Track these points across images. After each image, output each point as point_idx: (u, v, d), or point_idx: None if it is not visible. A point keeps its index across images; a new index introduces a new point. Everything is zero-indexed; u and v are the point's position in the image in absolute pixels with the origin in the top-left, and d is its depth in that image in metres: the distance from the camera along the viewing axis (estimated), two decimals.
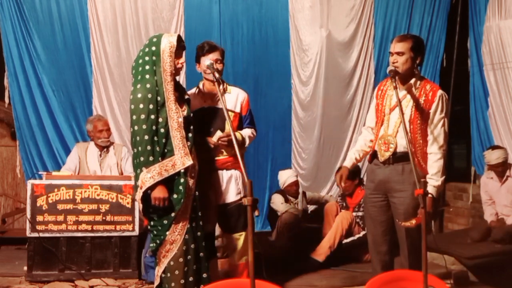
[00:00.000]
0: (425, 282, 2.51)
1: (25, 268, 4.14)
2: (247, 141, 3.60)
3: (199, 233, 3.18)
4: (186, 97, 3.27)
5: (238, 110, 3.57)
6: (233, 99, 3.57)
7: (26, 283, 4.11)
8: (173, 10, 5.35)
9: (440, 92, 3.27)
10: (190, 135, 3.15)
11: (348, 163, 3.54)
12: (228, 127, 3.42)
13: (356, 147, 3.59)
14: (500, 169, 4.83)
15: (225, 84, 3.56)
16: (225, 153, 3.53)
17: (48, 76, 5.16)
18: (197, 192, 3.18)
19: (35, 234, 4.05)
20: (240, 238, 3.56)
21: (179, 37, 3.15)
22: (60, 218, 4.06)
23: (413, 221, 3.11)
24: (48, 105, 5.16)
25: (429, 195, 3.00)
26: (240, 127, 3.59)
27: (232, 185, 3.55)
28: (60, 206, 4.07)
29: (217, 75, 3.03)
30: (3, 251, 5.05)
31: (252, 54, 5.58)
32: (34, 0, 5.09)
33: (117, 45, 5.29)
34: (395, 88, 3.15)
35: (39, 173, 4.64)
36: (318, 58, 5.64)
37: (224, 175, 3.54)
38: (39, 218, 4.06)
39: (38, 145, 5.14)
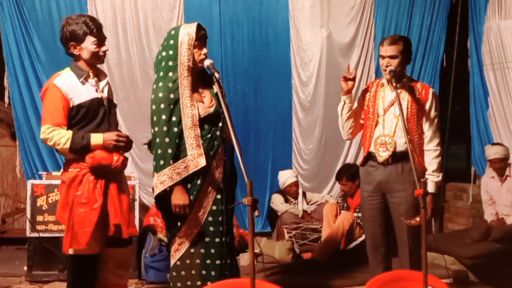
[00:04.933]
0: (425, 282, 2.51)
1: (25, 268, 4.14)
2: None
3: (217, 240, 2.89)
4: (215, 90, 2.91)
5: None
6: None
7: (26, 283, 4.11)
8: (173, 10, 5.34)
9: (432, 90, 3.38)
10: (218, 133, 2.88)
11: None
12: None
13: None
14: (497, 166, 4.81)
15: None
16: None
17: (48, 76, 5.08)
18: (218, 196, 2.89)
19: (35, 234, 4.05)
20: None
21: (198, 26, 2.88)
22: None
23: (418, 219, 3.10)
24: None
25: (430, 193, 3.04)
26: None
27: None
28: None
29: (217, 75, 2.80)
30: (3, 251, 5.05)
31: (252, 54, 5.56)
32: (34, 0, 5.09)
33: (117, 45, 5.29)
34: (396, 88, 3.17)
35: (39, 173, 4.64)
36: (318, 58, 5.63)
37: None
38: (39, 218, 4.06)
39: (38, 145, 5.13)
